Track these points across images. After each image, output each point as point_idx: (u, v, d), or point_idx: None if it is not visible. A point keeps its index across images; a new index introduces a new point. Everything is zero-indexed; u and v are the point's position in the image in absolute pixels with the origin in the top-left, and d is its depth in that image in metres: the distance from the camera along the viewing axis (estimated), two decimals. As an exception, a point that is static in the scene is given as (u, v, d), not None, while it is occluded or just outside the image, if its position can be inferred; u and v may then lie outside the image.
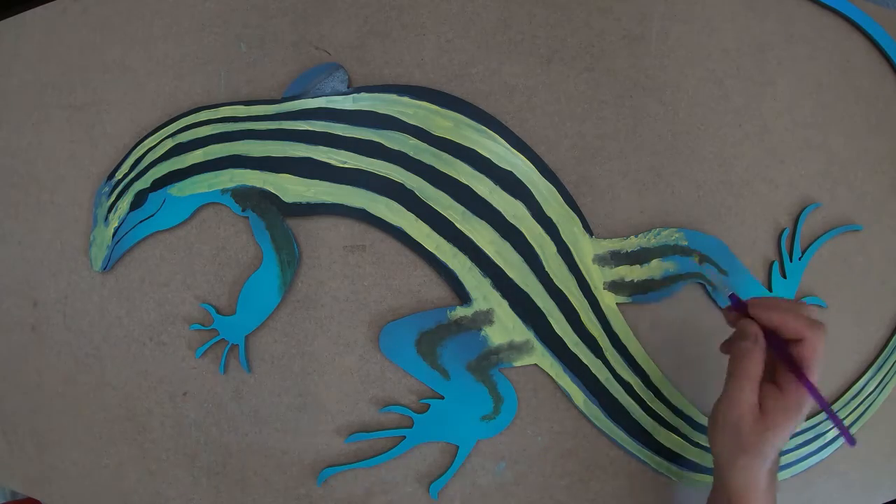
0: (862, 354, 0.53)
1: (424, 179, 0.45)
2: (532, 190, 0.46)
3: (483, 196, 0.45)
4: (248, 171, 0.46)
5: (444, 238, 0.45)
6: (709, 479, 0.50)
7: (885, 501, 0.56)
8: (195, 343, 0.47)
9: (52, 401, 0.50)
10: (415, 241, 0.45)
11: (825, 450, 0.52)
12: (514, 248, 0.46)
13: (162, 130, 0.47)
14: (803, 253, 0.50)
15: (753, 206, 0.50)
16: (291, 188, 0.46)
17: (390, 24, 0.47)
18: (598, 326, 0.46)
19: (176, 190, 0.47)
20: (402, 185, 0.45)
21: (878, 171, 0.53)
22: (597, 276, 0.46)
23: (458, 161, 0.45)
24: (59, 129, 0.50)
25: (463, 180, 0.45)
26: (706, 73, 0.49)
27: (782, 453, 0.51)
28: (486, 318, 0.46)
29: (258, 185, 0.46)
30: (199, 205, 0.47)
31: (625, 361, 0.47)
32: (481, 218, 0.45)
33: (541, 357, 0.46)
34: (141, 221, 0.47)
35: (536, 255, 0.46)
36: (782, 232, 0.50)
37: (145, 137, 0.47)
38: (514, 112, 0.47)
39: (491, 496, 0.48)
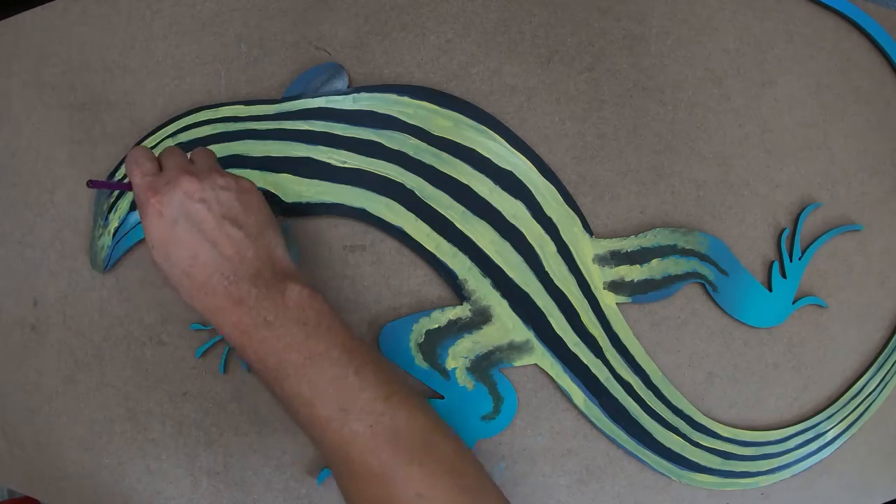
0: (862, 354, 0.53)
1: (424, 179, 0.45)
2: (532, 190, 0.46)
3: (483, 196, 0.45)
4: (248, 170, 0.46)
5: (444, 238, 0.45)
6: (709, 479, 0.50)
7: (884, 501, 0.56)
8: (195, 343, 0.47)
9: (52, 401, 0.50)
10: (415, 241, 0.45)
11: (825, 450, 0.52)
12: (514, 248, 0.46)
13: (162, 130, 0.47)
14: (803, 253, 0.50)
15: (753, 206, 0.50)
16: (291, 188, 0.46)
17: (390, 24, 0.47)
18: (598, 326, 0.46)
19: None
20: (402, 185, 0.45)
21: (878, 171, 0.53)
22: (597, 276, 0.46)
23: (458, 161, 0.45)
24: (59, 129, 0.50)
25: (463, 180, 0.45)
26: (706, 73, 0.49)
27: (783, 453, 0.51)
28: (486, 317, 0.46)
29: (258, 185, 0.46)
30: (199, 205, 0.47)
31: (625, 361, 0.47)
32: (481, 218, 0.45)
33: (541, 357, 0.46)
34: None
35: (536, 255, 0.46)
36: (782, 232, 0.50)
37: (145, 137, 0.47)
38: (514, 112, 0.47)
39: (491, 496, 0.48)
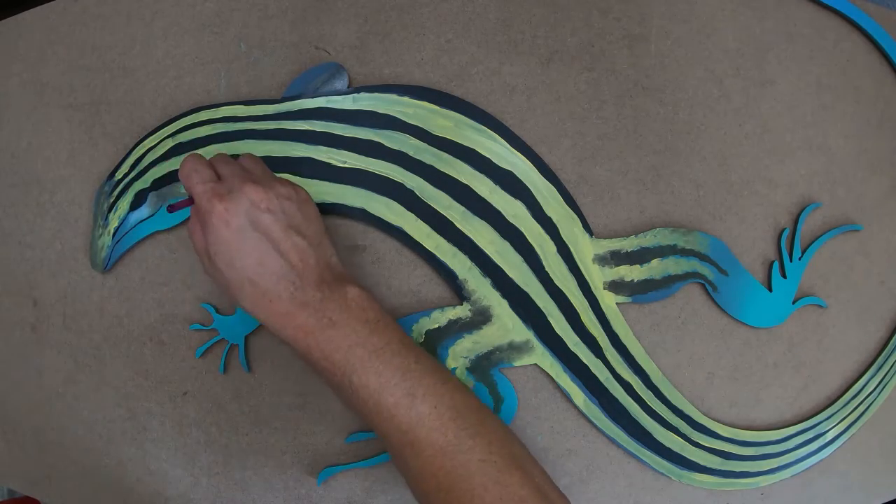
0: (862, 354, 0.53)
1: (424, 179, 0.45)
2: (532, 190, 0.46)
3: (483, 196, 0.45)
4: (248, 171, 0.46)
5: (444, 238, 0.45)
6: (709, 479, 0.50)
7: (884, 501, 0.56)
8: (195, 343, 0.47)
9: (52, 401, 0.50)
10: (415, 241, 0.45)
11: (825, 450, 0.52)
12: (514, 248, 0.46)
13: (162, 130, 0.47)
14: (803, 253, 0.50)
15: (753, 206, 0.50)
16: (291, 188, 0.45)
17: (390, 24, 0.47)
18: (598, 326, 0.46)
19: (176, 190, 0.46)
20: (402, 185, 0.45)
21: (878, 171, 0.53)
22: (597, 276, 0.46)
23: (458, 161, 0.45)
24: (59, 129, 0.50)
25: (463, 180, 0.45)
26: (706, 73, 0.49)
27: (783, 453, 0.51)
28: (486, 317, 0.46)
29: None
30: (199, 205, 0.47)
31: (625, 361, 0.47)
32: (481, 218, 0.45)
33: (541, 357, 0.46)
34: (141, 221, 0.47)
35: (536, 255, 0.46)
36: (782, 232, 0.50)
37: (145, 137, 0.47)
38: (514, 112, 0.47)
39: (491, 496, 0.48)
